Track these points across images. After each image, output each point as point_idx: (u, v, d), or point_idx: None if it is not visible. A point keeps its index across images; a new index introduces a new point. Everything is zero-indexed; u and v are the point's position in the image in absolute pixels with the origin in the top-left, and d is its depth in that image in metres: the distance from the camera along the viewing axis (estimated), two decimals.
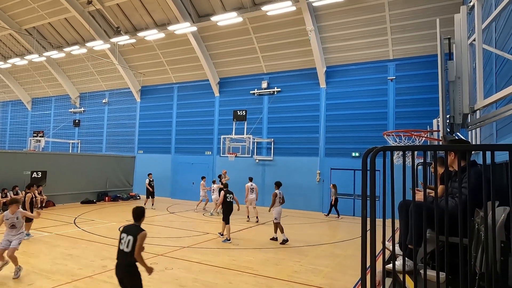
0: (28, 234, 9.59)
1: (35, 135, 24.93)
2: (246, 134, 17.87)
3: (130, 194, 21.22)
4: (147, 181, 17.27)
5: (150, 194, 17.21)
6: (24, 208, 9.96)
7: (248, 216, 14.64)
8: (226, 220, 10.38)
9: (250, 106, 19.95)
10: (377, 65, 17.30)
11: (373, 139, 16.04)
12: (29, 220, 9.63)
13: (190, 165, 22.00)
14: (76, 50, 22.00)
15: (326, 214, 16.64)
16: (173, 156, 22.95)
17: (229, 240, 10.23)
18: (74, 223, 12.79)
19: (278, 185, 10.87)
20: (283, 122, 19.40)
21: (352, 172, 17.11)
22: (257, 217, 14.32)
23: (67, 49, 22.40)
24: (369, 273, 2.49)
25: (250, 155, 18.32)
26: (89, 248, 9.05)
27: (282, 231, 10.39)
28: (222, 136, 18.83)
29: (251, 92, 20.39)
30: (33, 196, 10.58)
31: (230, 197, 10.77)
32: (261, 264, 8.17)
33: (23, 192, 15.66)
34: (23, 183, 15.84)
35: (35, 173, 16.68)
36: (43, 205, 16.23)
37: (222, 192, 10.80)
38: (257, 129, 19.65)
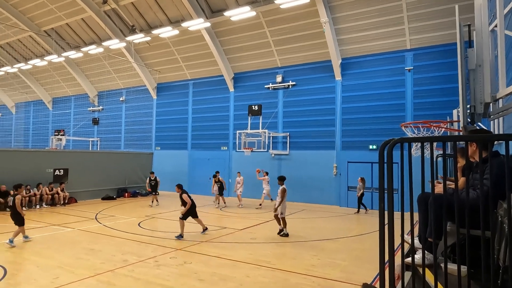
0: (26, 237, 9.21)
1: (56, 134, 25.69)
2: (262, 129, 17.87)
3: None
4: (147, 180, 17.53)
5: (153, 191, 17.19)
6: (15, 211, 9.04)
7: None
8: (184, 217, 10.02)
9: (265, 100, 19.90)
10: (394, 56, 16.91)
11: (390, 131, 15.75)
12: (21, 223, 9.07)
13: (206, 160, 22.18)
14: (93, 49, 22.40)
15: (357, 211, 15.41)
16: (189, 152, 23.19)
17: (182, 236, 9.81)
18: (96, 218, 13.13)
19: (282, 179, 10.48)
20: (298, 116, 19.26)
21: (369, 165, 16.87)
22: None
23: (84, 49, 22.85)
24: (388, 267, 2.45)
25: (266, 150, 18.33)
26: (110, 243, 9.27)
27: (285, 226, 10.46)
28: (237, 131, 18.88)
29: (265, 86, 20.33)
30: (22, 197, 10.04)
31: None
32: (278, 258, 8.19)
33: (45, 188, 16.17)
34: (46, 181, 16.41)
35: (57, 170, 17.21)
36: (66, 201, 16.71)
37: (185, 194, 10.16)
38: (272, 123, 19.60)
